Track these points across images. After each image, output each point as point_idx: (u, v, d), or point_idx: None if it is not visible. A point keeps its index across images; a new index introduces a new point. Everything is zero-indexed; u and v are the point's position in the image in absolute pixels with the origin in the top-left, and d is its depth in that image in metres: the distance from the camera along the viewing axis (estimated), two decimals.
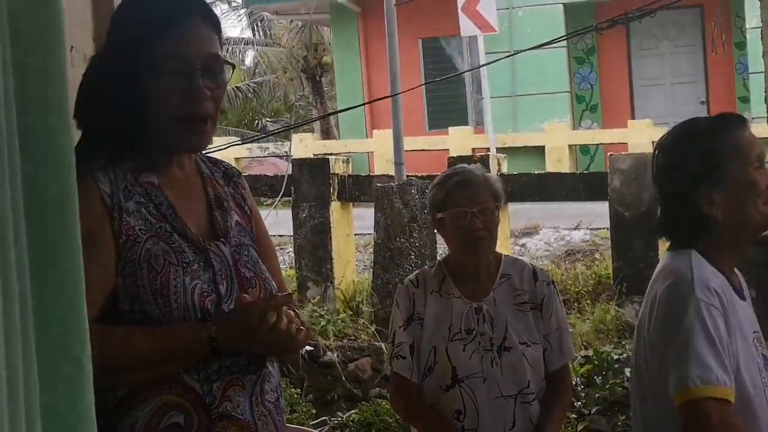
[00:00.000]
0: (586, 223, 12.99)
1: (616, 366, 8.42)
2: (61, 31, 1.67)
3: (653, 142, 18.01)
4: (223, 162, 2.89)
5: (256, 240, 2.79)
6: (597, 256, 11.86)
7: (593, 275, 10.67)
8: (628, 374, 8.45)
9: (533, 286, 3.99)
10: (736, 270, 3.07)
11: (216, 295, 2.56)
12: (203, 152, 2.83)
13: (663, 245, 9.79)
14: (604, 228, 11.31)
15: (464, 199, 3.88)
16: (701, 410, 2.73)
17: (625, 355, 8.69)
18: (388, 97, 10.40)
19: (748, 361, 2.87)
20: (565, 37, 12.88)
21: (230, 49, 29.99)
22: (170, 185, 2.64)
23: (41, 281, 1.62)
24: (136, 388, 2.48)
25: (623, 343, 9.06)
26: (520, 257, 4.25)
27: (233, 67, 2.73)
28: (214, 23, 2.64)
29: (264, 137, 21.84)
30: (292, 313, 2.55)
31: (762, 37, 4.95)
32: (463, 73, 19.08)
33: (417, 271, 4.17)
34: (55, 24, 1.66)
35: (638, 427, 3.05)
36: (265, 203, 12.21)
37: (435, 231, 9.91)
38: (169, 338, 2.48)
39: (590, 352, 8.53)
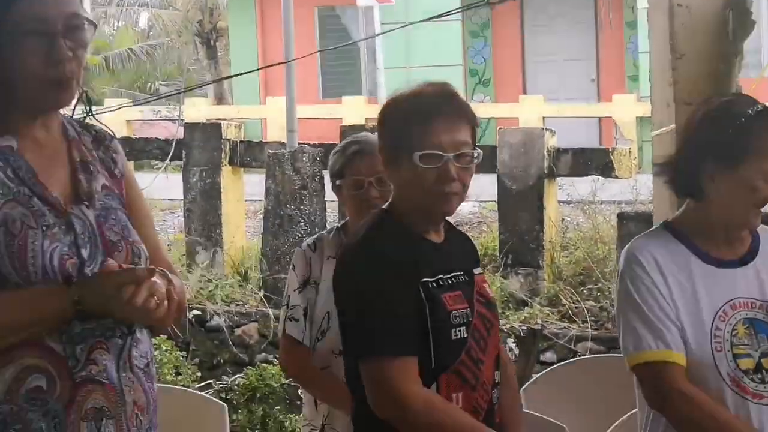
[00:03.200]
0: (474, 195, 13.12)
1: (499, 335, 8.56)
2: None
3: (543, 118, 18.07)
4: (95, 126, 2.83)
5: (127, 204, 2.74)
6: (484, 228, 12.00)
7: (480, 247, 10.79)
8: (509, 344, 8.62)
9: None
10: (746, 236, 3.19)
11: (78, 259, 2.52)
12: (86, 115, 2.79)
13: (548, 220, 9.98)
14: (491, 201, 11.44)
15: (362, 168, 3.92)
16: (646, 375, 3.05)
17: (508, 325, 8.84)
18: (282, 63, 10.40)
19: (696, 327, 3.04)
20: (458, 10, 12.98)
21: (124, 10, 29.57)
22: (31, 149, 2.59)
23: None
24: None
25: (506, 313, 9.21)
26: None
27: (95, 26, 2.68)
28: None
29: (156, 99, 21.61)
30: (159, 284, 2.48)
31: (648, 18, 5.06)
32: (358, 42, 19.10)
33: (315, 236, 4.19)
34: None
35: None
36: (155, 166, 12.13)
37: (325, 199, 9.96)
38: (33, 302, 2.44)
39: None
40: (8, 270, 2.44)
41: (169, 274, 2.63)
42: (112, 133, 2.83)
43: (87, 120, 2.81)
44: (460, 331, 2.92)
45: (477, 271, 3.11)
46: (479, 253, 3.29)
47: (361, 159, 3.94)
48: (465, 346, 2.93)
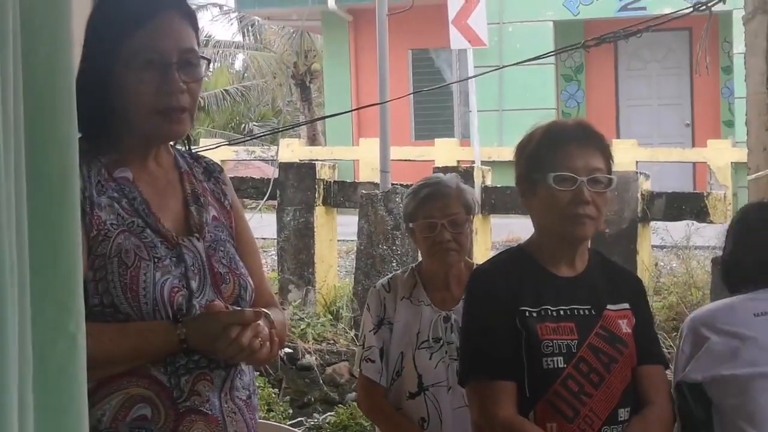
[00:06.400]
0: None
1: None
2: (69, 23, 1.74)
3: (637, 162, 17.89)
4: (205, 157, 2.90)
5: (235, 236, 2.79)
6: None
7: None
8: None
9: None
10: None
11: (187, 291, 2.56)
12: (187, 149, 2.86)
13: (642, 264, 9.88)
14: None
15: (434, 211, 3.92)
16: None
17: None
18: (376, 104, 10.46)
19: None
20: (552, 53, 12.96)
21: (220, 52, 30.01)
22: (145, 180, 2.65)
23: (40, 259, 1.68)
24: (104, 381, 2.48)
25: None
26: None
27: (209, 61, 2.74)
28: (191, 18, 2.66)
29: (252, 139, 21.90)
30: (262, 325, 2.54)
31: (745, 62, 5.04)
32: (451, 84, 19.16)
33: (389, 276, 4.21)
34: (63, 16, 1.73)
35: None
36: (249, 206, 12.27)
37: None
38: (140, 337, 2.49)
39: None
40: (120, 301, 2.50)
41: (272, 310, 2.69)
42: (220, 166, 2.91)
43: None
44: (553, 361, 2.95)
45: (616, 307, 3.11)
46: None
47: (433, 201, 3.94)
48: (560, 377, 2.95)
